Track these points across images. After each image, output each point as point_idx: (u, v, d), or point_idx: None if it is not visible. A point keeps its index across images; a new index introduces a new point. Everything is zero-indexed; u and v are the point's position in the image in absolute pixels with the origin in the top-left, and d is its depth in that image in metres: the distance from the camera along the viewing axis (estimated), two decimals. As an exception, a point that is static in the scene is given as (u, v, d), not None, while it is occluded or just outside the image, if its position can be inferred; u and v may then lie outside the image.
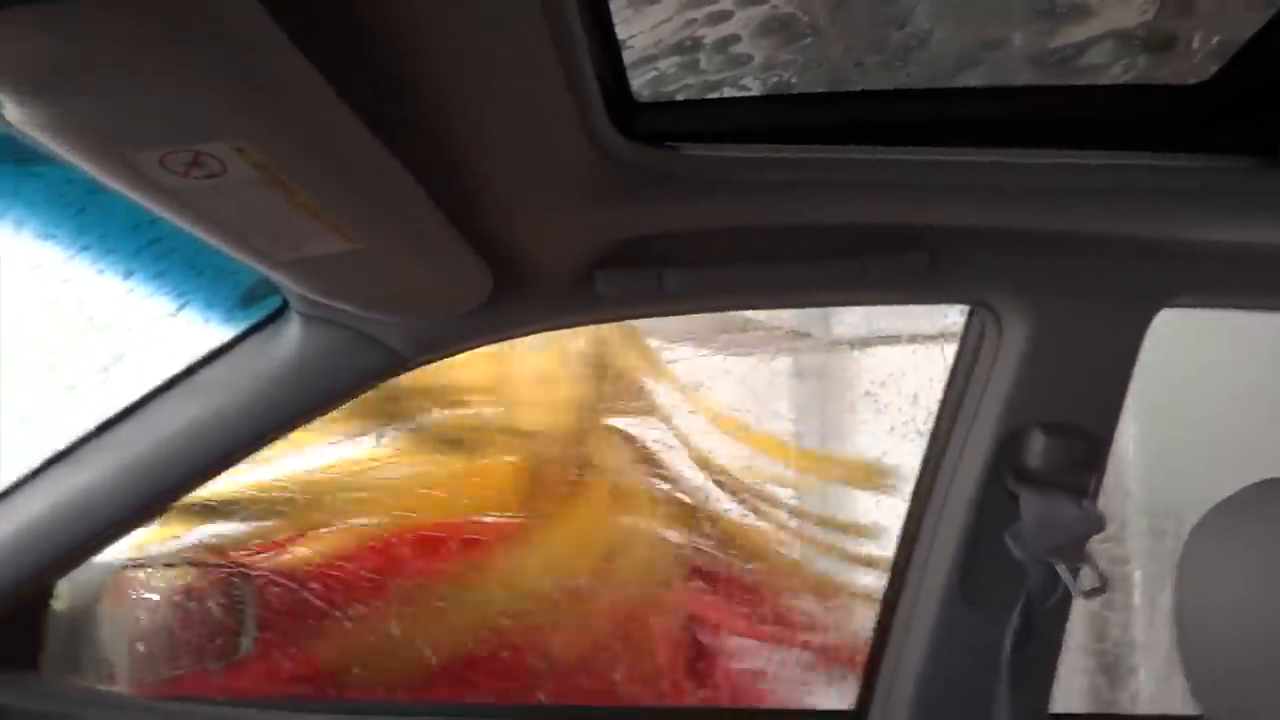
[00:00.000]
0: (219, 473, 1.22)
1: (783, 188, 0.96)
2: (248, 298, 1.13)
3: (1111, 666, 2.34)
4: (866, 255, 1.05)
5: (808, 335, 2.21)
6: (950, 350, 1.26)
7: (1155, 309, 1.13)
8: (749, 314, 2.03)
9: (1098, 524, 1.15)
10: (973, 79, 1.03)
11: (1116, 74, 1.03)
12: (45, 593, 1.31)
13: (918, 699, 1.25)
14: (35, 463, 1.18)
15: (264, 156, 0.64)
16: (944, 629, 1.23)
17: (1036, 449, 1.14)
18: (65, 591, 1.36)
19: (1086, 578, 1.16)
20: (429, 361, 1.17)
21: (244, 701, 1.57)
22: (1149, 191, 1.00)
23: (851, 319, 2.20)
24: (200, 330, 1.15)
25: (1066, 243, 1.08)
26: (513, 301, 1.07)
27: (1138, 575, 2.33)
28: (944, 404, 1.26)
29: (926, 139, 0.97)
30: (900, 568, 1.30)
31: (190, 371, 1.16)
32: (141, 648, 1.51)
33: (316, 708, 1.49)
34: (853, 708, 1.36)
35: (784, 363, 2.20)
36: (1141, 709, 2.41)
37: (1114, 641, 2.35)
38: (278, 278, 0.91)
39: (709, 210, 0.98)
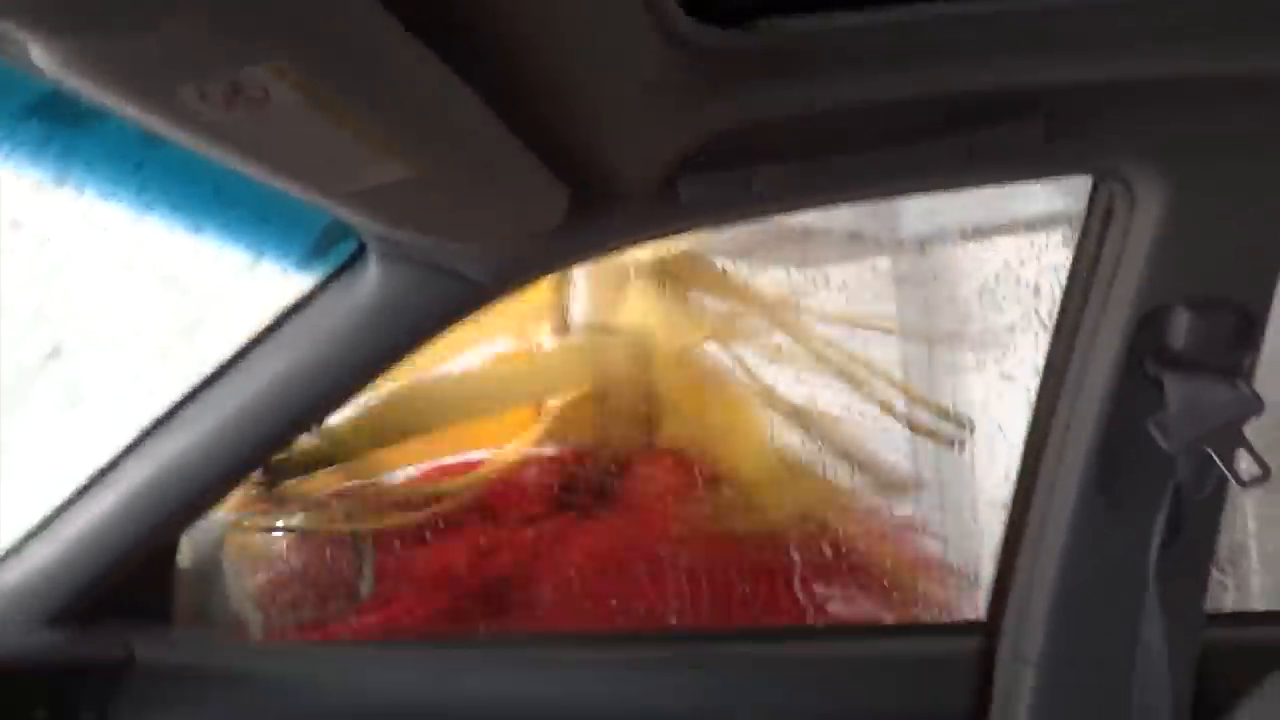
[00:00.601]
0: (318, 421, 1.23)
1: (877, 59, 0.87)
2: (322, 244, 1.11)
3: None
4: (976, 128, 0.94)
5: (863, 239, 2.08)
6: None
7: None
8: (810, 221, 1.92)
9: (1256, 405, 1.04)
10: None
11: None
12: (170, 550, 1.35)
13: (1056, 607, 1.17)
14: (137, 428, 1.20)
15: (306, 77, 0.59)
16: (1083, 529, 1.15)
17: (1181, 328, 1.03)
18: (189, 548, 1.40)
19: (1245, 465, 1.05)
20: (514, 290, 1.13)
21: (371, 643, 1.61)
22: None
23: (908, 217, 2.06)
24: (280, 281, 1.14)
25: (1202, 91, 0.95)
26: (593, 218, 1.01)
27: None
28: (1070, 287, 1.15)
29: None
30: (1030, 465, 1.22)
31: (276, 324, 1.16)
32: (265, 598, 1.55)
33: (439, 644, 1.51)
34: (983, 618, 1.30)
35: (885, 265, 2.09)
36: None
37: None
38: (346, 215, 0.88)
39: (797, 93, 0.89)
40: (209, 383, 1.19)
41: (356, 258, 1.11)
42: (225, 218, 1.02)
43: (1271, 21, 0.87)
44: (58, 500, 1.23)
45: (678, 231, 1.14)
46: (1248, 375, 1.07)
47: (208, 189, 0.97)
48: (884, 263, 2.08)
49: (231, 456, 1.20)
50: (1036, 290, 1.78)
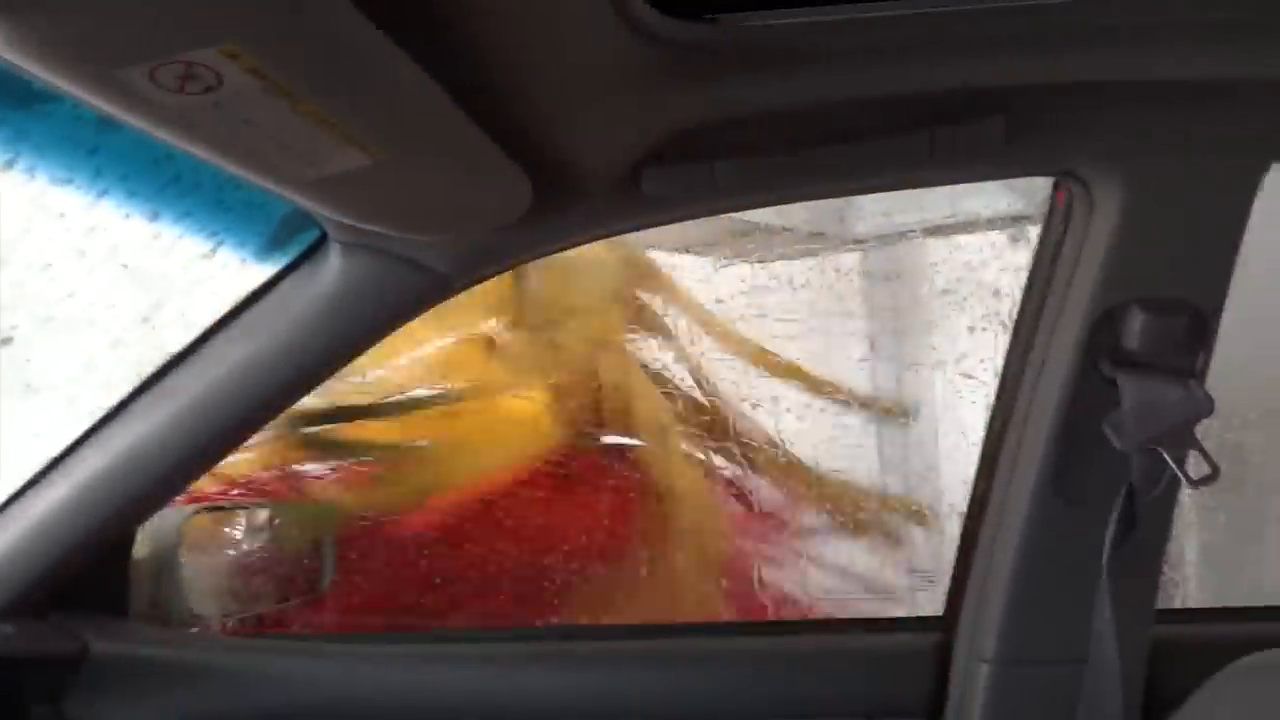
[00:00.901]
0: (277, 413, 1.21)
1: (840, 55, 0.87)
2: (282, 232, 1.10)
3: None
4: (937, 126, 0.95)
5: (822, 234, 2.09)
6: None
7: (1266, 164, 1.02)
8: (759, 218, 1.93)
9: (1206, 406, 1.05)
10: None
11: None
12: (126, 541, 1.33)
13: (1011, 603, 1.19)
14: (93, 417, 1.18)
15: (259, 61, 0.58)
16: (1038, 527, 1.16)
17: (1135, 328, 1.05)
18: (145, 538, 1.38)
19: (1195, 465, 1.07)
20: (475, 281, 1.12)
21: (330, 636, 1.60)
22: (1251, 24, 0.88)
23: (865, 215, 2.08)
24: (239, 270, 1.12)
25: (1160, 94, 0.96)
26: (556, 210, 1.01)
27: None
28: (1029, 287, 1.17)
29: None
30: (988, 464, 1.23)
31: (235, 313, 1.14)
32: (224, 589, 1.53)
33: (396, 639, 1.50)
34: (940, 613, 1.31)
35: (850, 261, 2.10)
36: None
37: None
38: (305, 203, 0.87)
39: (760, 88, 0.90)
40: (166, 372, 1.17)
41: (317, 247, 1.09)
42: (183, 204, 1.01)
43: (1228, 27, 0.88)
44: (10, 491, 1.20)
45: (641, 225, 1.13)
46: (1200, 376, 1.08)
47: (165, 175, 0.95)
48: (847, 261, 2.09)
49: (188, 448, 1.18)
50: (996, 291, 1.81)
